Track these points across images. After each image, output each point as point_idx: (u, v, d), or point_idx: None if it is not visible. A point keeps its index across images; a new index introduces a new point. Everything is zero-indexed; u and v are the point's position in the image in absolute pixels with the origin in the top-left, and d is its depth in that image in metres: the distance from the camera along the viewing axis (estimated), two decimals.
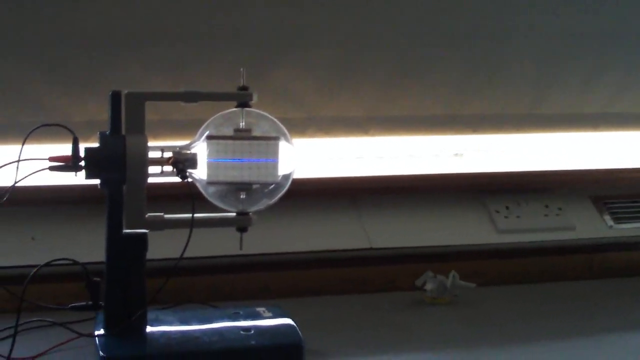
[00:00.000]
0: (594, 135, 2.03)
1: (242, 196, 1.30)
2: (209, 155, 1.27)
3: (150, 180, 1.26)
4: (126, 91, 1.25)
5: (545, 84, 1.94)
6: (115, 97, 1.25)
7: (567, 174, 1.95)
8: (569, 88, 1.96)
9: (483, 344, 1.45)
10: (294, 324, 1.36)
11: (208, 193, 1.31)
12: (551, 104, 1.95)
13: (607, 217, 1.92)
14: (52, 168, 1.24)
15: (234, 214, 1.31)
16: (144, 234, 1.28)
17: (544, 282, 1.81)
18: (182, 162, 1.26)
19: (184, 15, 1.65)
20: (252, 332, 1.32)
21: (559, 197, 1.91)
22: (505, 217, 1.84)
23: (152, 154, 1.26)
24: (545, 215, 1.87)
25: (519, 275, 1.81)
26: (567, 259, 1.86)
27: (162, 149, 1.28)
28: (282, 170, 1.30)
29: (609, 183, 1.97)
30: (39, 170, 1.25)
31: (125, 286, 1.28)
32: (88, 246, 1.40)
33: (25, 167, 1.25)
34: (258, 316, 1.39)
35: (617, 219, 1.92)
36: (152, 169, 1.26)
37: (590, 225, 1.90)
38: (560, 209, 1.89)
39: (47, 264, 1.31)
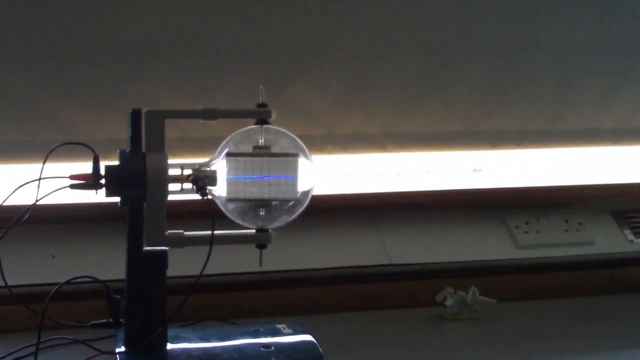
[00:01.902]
0: (614, 150, 2.02)
1: (262, 213, 1.30)
2: (229, 172, 1.28)
3: (170, 197, 1.26)
4: (146, 109, 1.25)
5: (564, 99, 1.93)
6: (135, 115, 1.25)
7: (587, 188, 1.94)
8: (588, 103, 1.95)
9: (504, 359, 1.44)
10: (315, 341, 1.35)
11: (228, 210, 1.31)
12: (570, 119, 1.94)
13: (628, 232, 1.91)
14: (72, 186, 1.24)
15: (254, 230, 1.31)
16: (164, 251, 1.28)
17: (564, 297, 1.80)
18: (202, 179, 1.27)
19: (203, 33, 1.66)
20: (273, 348, 1.32)
21: (579, 212, 1.90)
22: (525, 232, 1.84)
23: (172, 172, 1.26)
24: (565, 230, 1.86)
25: (539, 291, 1.80)
26: (588, 274, 1.85)
27: (182, 167, 1.28)
28: (301, 187, 1.30)
29: (629, 197, 1.96)
30: (60, 189, 1.25)
31: (145, 303, 1.29)
32: (108, 264, 1.41)
33: (46, 185, 1.26)
34: (278, 333, 1.39)
35: (638, 234, 1.91)
36: (172, 187, 1.26)
37: (610, 240, 1.89)
38: (580, 223, 1.88)
39: (68, 282, 1.31)
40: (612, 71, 1.94)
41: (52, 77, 1.60)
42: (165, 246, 1.27)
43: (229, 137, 1.30)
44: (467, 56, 1.83)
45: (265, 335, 1.37)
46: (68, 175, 1.24)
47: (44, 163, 1.25)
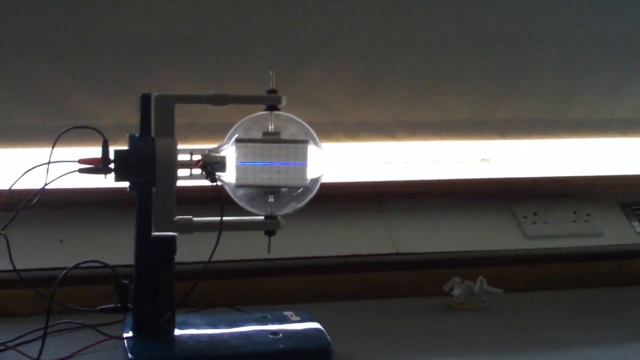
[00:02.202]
0: (623, 141, 2.01)
1: (271, 199, 1.30)
2: (238, 158, 1.28)
3: (179, 183, 1.26)
4: (156, 94, 1.25)
5: (573, 89, 1.93)
6: (145, 100, 1.25)
7: (596, 179, 1.93)
8: (597, 93, 1.95)
9: (510, 350, 1.44)
10: (322, 328, 1.35)
11: (237, 196, 1.31)
12: (579, 110, 1.94)
13: (636, 223, 1.91)
14: (81, 170, 1.25)
15: (263, 217, 1.31)
16: (173, 236, 1.28)
17: (571, 288, 1.80)
18: (211, 164, 1.27)
19: (214, 21, 1.66)
20: (280, 335, 1.32)
21: (587, 203, 1.90)
22: (533, 222, 1.83)
23: (181, 157, 1.26)
24: (574, 221, 1.86)
25: (546, 281, 1.80)
26: (595, 265, 1.84)
27: (191, 152, 1.28)
28: (310, 174, 1.30)
29: (638, 189, 1.96)
30: (69, 173, 1.25)
31: (153, 289, 1.29)
32: (117, 249, 1.41)
33: (55, 170, 1.26)
34: (286, 320, 1.39)
35: None
36: (181, 172, 1.26)
37: (618, 232, 1.89)
38: (588, 215, 1.88)
39: (76, 266, 1.31)
40: (622, 62, 1.93)
41: (62, 62, 1.60)
42: (174, 232, 1.27)
43: (238, 123, 1.31)
44: (477, 47, 1.83)
45: (273, 322, 1.37)
46: (77, 160, 1.24)
47: (53, 147, 1.25)
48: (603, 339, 1.51)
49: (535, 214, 1.85)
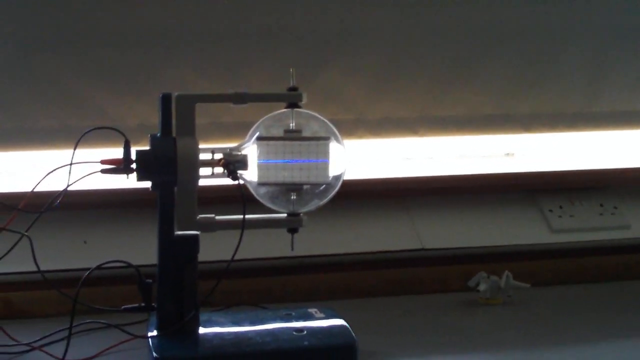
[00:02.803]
0: None
1: (293, 197, 1.30)
2: (260, 156, 1.27)
3: (201, 182, 1.26)
4: (176, 93, 1.25)
5: (598, 81, 1.91)
6: (166, 100, 1.25)
7: (622, 171, 1.91)
8: (623, 85, 1.93)
9: (538, 345, 1.43)
10: (347, 325, 1.35)
11: (259, 194, 1.31)
12: (605, 102, 1.92)
13: None
14: (103, 171, 1.25)
15: (285, 215, 1.31)
16: (196, 235, 1.28)
17: (599, 282, 1.78)
18: (233, 163, 1.27)
19: (234, 18, 1.66)
20: (305, 332, 1.31)
21: (614, 196, 1.88)
22: (559, 216, 1.82)
23: (202, 156, 1.26)
24: (600, 214, 1.84)
25: (573, 275, 1.78)
26: (623, 258, 1.82)
27: (213, 151, 1.28)
28: (332, 171, 1.29)
29: None
30: (91, 174, 1.26)
31: (177, 288, 1.29)
32: (140, 248, 1.42)
33: (77, 171, 1.27)
34: (310, 317, 1.38)
35: None
36: (202, 171, 1.26)
37: None
38: (615, 207, 1.86)
39: (100, 267, 1.32)
40: None
41: (83, 63, 1.61)
42: (197, 230, 1.28)
43: (259, 121, 1.30)
44: (501, 39, 1.82)
45: (297, 319, 1.37)
46: (99, 160, 1.25)
47: (75, 148, 1.26)
48: (632, 332, 1.49)
49: (560, 207, 1.83)
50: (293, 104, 1.29)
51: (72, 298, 1.28)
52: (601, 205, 1.85)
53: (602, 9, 1.86)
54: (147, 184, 1.26)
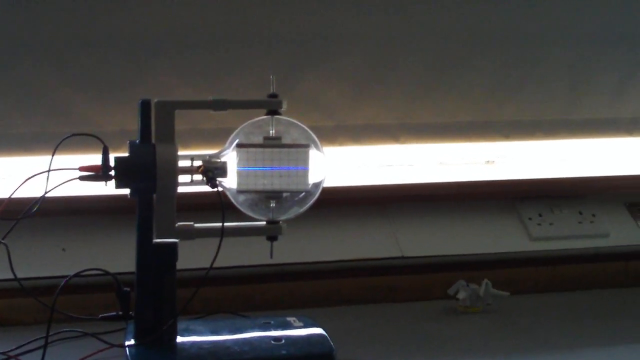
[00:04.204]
0: (629, 141, 2.00)
1: (272, 204, 1.30)
2: (239, 163, 1.27)
3: (180, 189, 1.25)
4: (156, 99, 1.25)
5: (578, 89, 1.91)
6: (145, 106, 1.25)
7: (601, 180, 1.92)
8: (603, 93, 1.93)
9: (517, 353, 1.43)
10: (325, 334, 1.35)
11: (238, 202, 1.30)
12: (585, 109, 1.93)
13: None
14: (82, 178, 1.24)
15: (264, 222, 1.31)
16: (174, 243, 1.28)
17: (578, 290, 1.79)
18: (212, 170, 1.26)
19: (214, 24, 1.65)
20: (283, 341, 1.31)
21: (593, 204, 1.89)
22: (538, 224, 1.82)
23: (182, 163, 1.26)
24: (579, 222, 1.85)
25: (552, 283, 1.79)
26: (602, 266, 1.83)
27: (192, 158, 1.27)
28: (312, 179, 1.29)
29: None
30: (69, 180, 1.25)
31: (155, 296, 1.28)
32: (118, 256, 1.41)
33: (56, 177, 1.25)
34: (289, 326, 1.38)
35: None
36: (182, 178, 1.26)
37: (624, 232, 1.87)
38: (594, 215, 1.86)
39: (77, 274, 1.31)
40: (627, 60, 1.92)
41: (62, 69, 1.60)
42: (176, 238, 1.27)
43: (239, 128, 1.30)
44: (481, 47, 1.82)
45: (276, 328, 1.37)
46: (77, 167, 1.24)
47: (53, 155, 1.25)
48: (610, 340, 1.50)
49: (540, 215, 1.84)
50: (273, 111, 1.29)
51: (49, 306, 1.27)
52: (580, 213, 1.86)
53: (582, 17, 1.87)
54: (126, 191, 1.25)
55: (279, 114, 1.29)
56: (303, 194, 1.30)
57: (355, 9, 1.73)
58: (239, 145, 1.27)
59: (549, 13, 1.85)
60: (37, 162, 1.46)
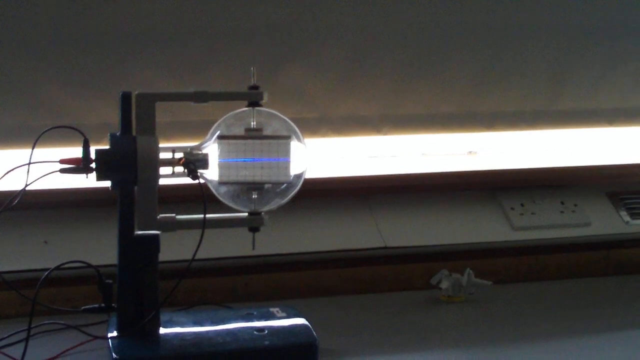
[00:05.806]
0: (610, 131, 2.01)
1: (254, 196, 1.30)
2: (220, 155, 1.27)
3: (162, 181, 1.26)
4: (136, 92, 1.25)
5: (560, 79, 1.92)
6: (126, 98, 1.25)
7: (583, 170, 1.93)
8: (584, 84, 1.94)
9: (499, 342, 1.44)
10: (308, 324, 1.35)
11: (220, 193, 1.30)
12: (566, 100, 1.94)
13: (624, 213, 1.90)
14: (63, 170, 1.24)
15: (246, 214, 1.31)
16: (156, 235, 1.28)
17: (560, 279, 1.80)
18: (194, 162, 1.26)
19: (195, 17, 1.65)
20: (266, 332, 1.31)
21: (575, 194, 1.90)
22: (521, 214, 1.83)
23: (163, 155, 1.26)
24: (561, 211, 1.86)
25: (534, 273, 1.80)
26: (583, 256, 1.84)
27: (174, 150, 1.27)
28: (294, 170, 1.30)
29: (625, 179, 1.96)
30: (50, 173, 1.25)
31: (137, 288, 1.28)
32: (100, 248, 1.41)
33: (36, 170, 1.25)
34: (272, 316, 1.38)
35: (634, 215, 1.90)
36: (163, 170, 1.26)
37: (606, 222, 1.88)
38: (575, 205, 1.87)
39: (59, 267, 1.31)
40: (608, 52, 1.93)
41: (43, 61, 1.59)
42: (157, 230, 1.27)
43: (220, 120, 1.30)
44: (463, 38, 1.83)
45: (259, 319, 1.37)
46: (58, 160, 1.23)
47: (33, 147, 1.25)
48: (592, 328, 1.51)
49: (522, 205, 1.84)
50: (254, 103, 1.29)
51: (31, 299, 1.27)
52: (562, 203, 1.87)
53: (564, 9, 1.87)
54: (107, 184, 1.25)
55: (260, 105, 1.29)
56: (285, 185, 1.30)
57: (337, 1, 1.73)
58: (220, 137, 1.28)
59: (532, 6, 1.86)
60: (18, 155, 1.46)
